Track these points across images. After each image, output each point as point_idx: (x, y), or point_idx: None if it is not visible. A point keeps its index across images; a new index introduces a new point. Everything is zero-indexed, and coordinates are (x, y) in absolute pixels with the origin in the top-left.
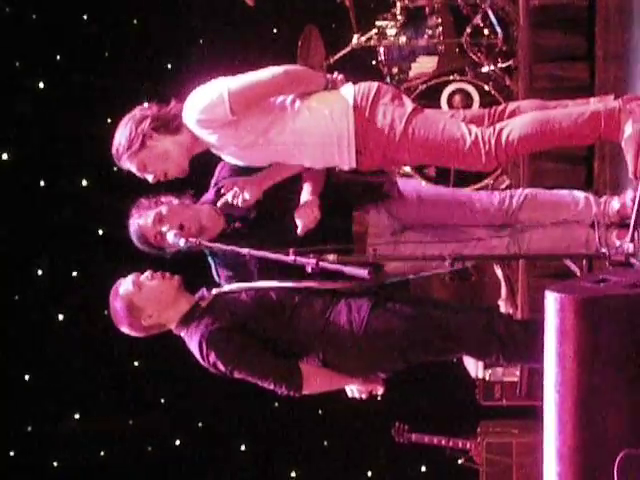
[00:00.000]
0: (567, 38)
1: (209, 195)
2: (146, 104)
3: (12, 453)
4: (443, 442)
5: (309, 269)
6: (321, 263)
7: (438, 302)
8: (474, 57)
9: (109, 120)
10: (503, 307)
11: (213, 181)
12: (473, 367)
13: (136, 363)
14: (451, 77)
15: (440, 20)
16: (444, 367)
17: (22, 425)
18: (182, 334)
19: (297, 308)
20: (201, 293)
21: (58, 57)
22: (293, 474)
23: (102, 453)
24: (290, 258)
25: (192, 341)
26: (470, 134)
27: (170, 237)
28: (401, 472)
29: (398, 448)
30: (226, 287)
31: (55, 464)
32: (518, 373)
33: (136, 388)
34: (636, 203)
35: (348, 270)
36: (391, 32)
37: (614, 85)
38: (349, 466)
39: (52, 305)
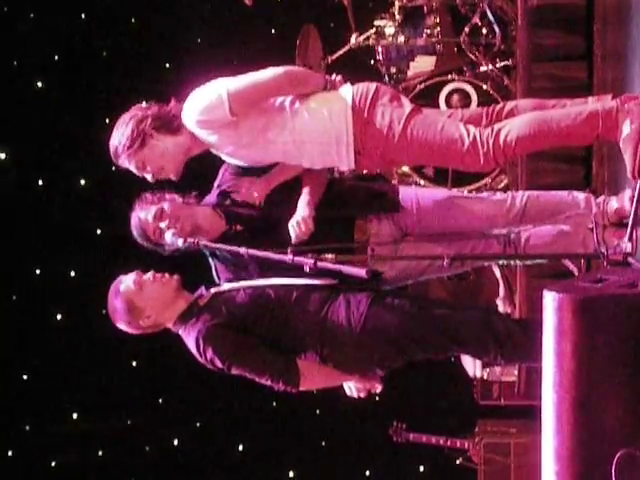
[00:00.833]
0: (565, 37)
1: (212, 197)
2: (145, 103)
3: (10, 453)
4: (441, 442)
5: (307, 269)
6: (319, 263)
7: (437, 300)
8: (472, 56)
9: (107, 120)
10: (501, 306)
11: (216, 183)
12: (471, 366)
13: (134, 363)
14: (449, 77)
15: (438, 19)
16: (442, 366)
17: (20, 425)
18: (180, 332)
19: (295, 304)
20: (200, 292)
21: (56, 57)
22: (291, 474)
23: (100, 453)
24: (288, 257)
25: (189, 338)
26: (469, 135)
27: (168, 236)
28: (399, 472)
29: (396, 448)
30: (225, 286)
31: (53, 464)
32: (516, 373)
33: (134, 388)
34: (634, 202)
35: (346, 270)
36: (389, 31)
37: (612, 85)
38: (347, 466)
39: (50, 305)
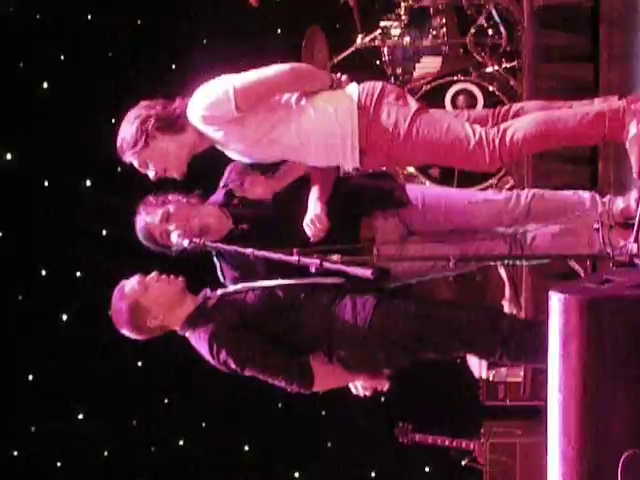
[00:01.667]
0: (571, 38)
1: (217, 196)
2: (153, 100)
3: (15, 453)
4: (447, 442)
5: (313, 269)
6: (325, 263)
7: (442, 300)
8: (478, 57)
9: (113, 120)
10: (507, 307)
11: (222, 182)
12: (477, 367)
13: (139, 363)
14: (455, 77)
15: (444, 20)
16: (448, 367)
17: (26, 425)
18: (187, 334)
19: (303, 305)
20: (204, 293)
21: (62, 57)
22: (296, 474)
23: (106, 453)
24: (294, 258)
25: (200, 340)
26: (474, 134)
27: (174, 238)
28: (404, 472)
29: (401, 448)
30: (231, 287)
31: (59, 464)
32: (522, 373)
33: (140, 388)
34: None
35: (352, 270)
36: (395, 32)
37: (618, 85)
38: (352, 466)
39: (56, 305)
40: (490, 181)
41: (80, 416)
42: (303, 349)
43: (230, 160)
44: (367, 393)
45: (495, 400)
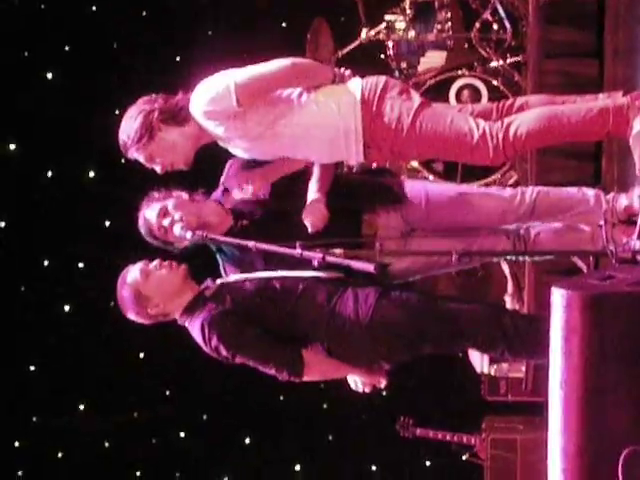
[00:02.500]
0: (576, 34)
1: (218, 192)
2: (153, 95)
3: (17, 444)
4: (448, 437)
5: (315, 263)
6: (327, 257)
7: (444, 295)
8: (483, 52)
9: (117, 112)
10: (509, 303)
11: (222, 179)
12: (478, 362)
13: (141, 355)
14: (460, 72)
15: (449, 15)
16: (449, 362)
17: (27, 416)
18: (186, 323)
19: (302, 296)
20: (206, 283)
21: (67, 48)
22: (297, 467)
23: (107, 445)
24: (297, 252)
25: (195, 327)
26: (478, 128)
27: (177, 230)
28: (405, 466)
29: (403, 442)
30: (232, 277)
31: (60, 455)
32: (524, 369)
33: (141, 380)
34: None
35: (355, 265)
36: (400, 26)
37: (623, 81)
38: (353, 460)
39: (58, 296)
40: (494, 176)
41: (81, 407)
42: (300, 340)
43: (231, 156)
44: (366, 389)
45: (497, 395)
